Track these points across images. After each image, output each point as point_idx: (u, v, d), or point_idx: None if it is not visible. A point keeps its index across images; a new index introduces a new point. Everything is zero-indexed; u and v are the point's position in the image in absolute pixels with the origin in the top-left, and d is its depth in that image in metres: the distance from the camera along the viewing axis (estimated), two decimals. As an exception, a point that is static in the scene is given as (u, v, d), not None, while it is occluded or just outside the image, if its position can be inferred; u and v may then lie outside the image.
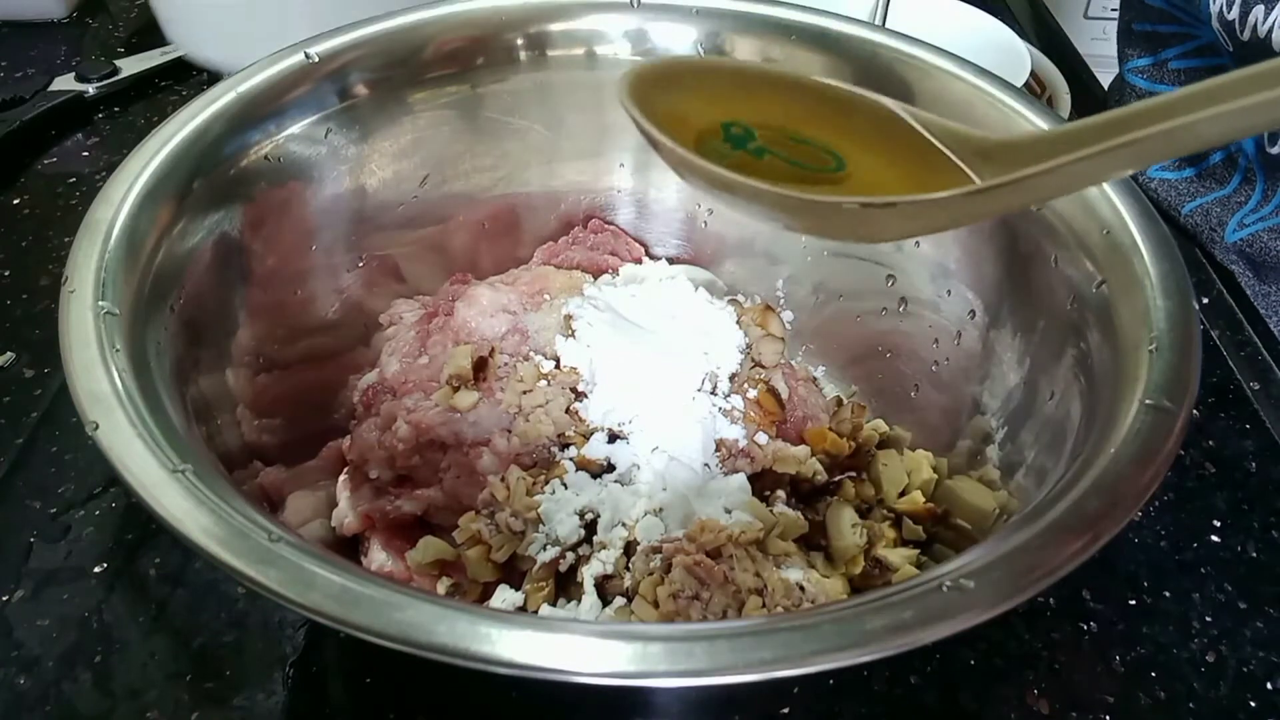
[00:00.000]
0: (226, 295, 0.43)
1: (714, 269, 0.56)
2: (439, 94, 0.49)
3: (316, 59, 0.45)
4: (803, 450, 0.45)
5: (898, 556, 0.43)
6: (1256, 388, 0.58)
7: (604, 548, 0.40)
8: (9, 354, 0.55)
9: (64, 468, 0.49)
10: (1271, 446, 0.54)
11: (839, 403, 0.52)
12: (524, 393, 0.44)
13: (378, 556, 0.44)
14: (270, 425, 0.45)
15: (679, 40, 0.50)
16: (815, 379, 0.53)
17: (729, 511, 0.41)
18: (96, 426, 0.30)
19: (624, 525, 0.40)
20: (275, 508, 0.44)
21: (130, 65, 0.76)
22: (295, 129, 0.45)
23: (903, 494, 0.46)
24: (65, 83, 0.75)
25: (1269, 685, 0.43)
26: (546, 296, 0.49)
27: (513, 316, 0.48)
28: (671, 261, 0.56)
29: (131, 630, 0.42)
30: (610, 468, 0.43)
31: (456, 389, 0.44)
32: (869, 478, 0.47)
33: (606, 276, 0.53)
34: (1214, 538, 0.49)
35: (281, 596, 0.26)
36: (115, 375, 0.31)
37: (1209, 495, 0.51)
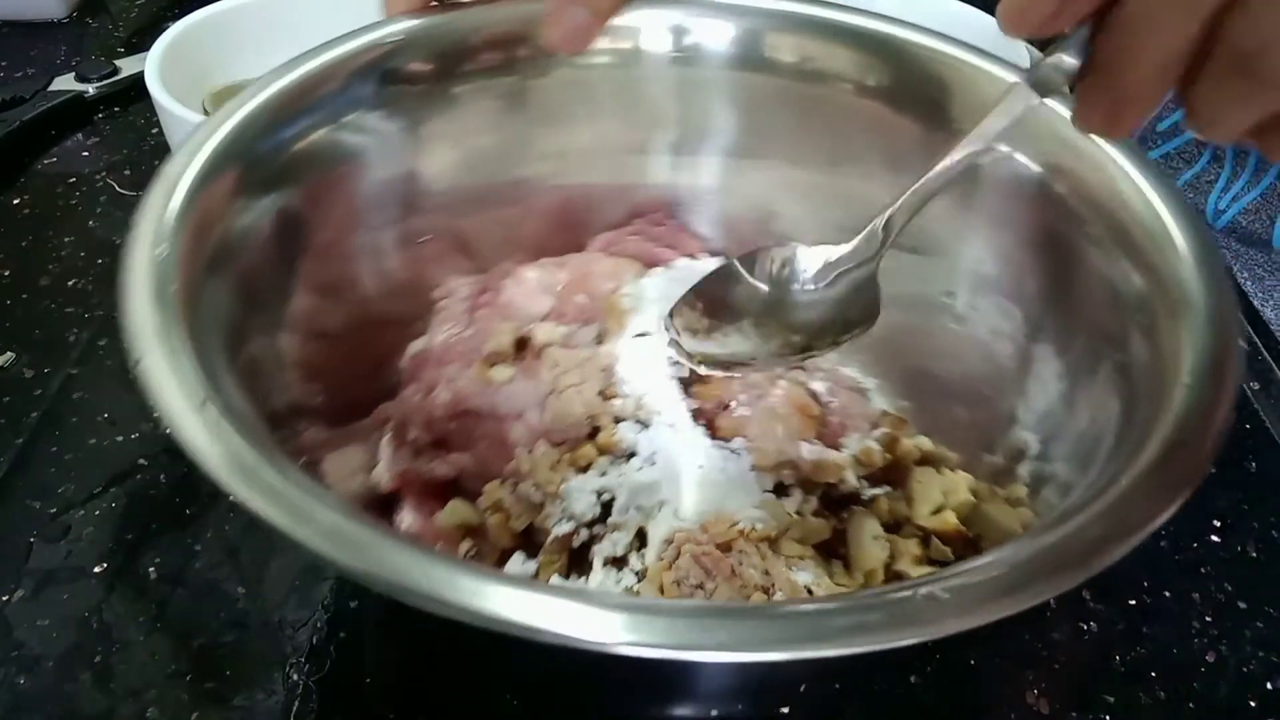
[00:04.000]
0: (284, 269, 0.42)
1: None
2: (490, 84, 0.48)
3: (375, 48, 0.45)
4: (844, 457, 0.45)
5: (918, 573, 0.41)
6: (1256, 388, 0.58)
7: (617, 529, 0.41)
8: (9, 354, 0.55)
9: (64, 468, 0.49)
10: (1271, 446, 0.54)
11: (884, 415, 0.50)
12: (561, 372, 0.45)
13: (408, 516, 0.45)
14: (319, 389, 0.45)
15: (717, 36, 0.50)
16: (865, 390, 0.51)
17: (746, 509, 0.42)
18: (138, 363, 0.30)
19: (639, 510, 0.41)
20: (316, 465, 0.44)
21: (130, 65, 0.76)
22: (351, 115, 0.45)
23: (935, 513, 0.44)
24: (65, 83, 0.75)
25: (1269, 685, 0.43)
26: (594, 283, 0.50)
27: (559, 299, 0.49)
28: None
29: (131, 630, 0.42)
30: (632, 454, 0.44)
31: (493, 365, 0.45)
32: (904, 494, 0.45)
33: (659, 268, 0.52)
34: (1214, 538, 0.49)
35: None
36: (168, 316, 0.31)
37: (1209, 495, 0.51)
